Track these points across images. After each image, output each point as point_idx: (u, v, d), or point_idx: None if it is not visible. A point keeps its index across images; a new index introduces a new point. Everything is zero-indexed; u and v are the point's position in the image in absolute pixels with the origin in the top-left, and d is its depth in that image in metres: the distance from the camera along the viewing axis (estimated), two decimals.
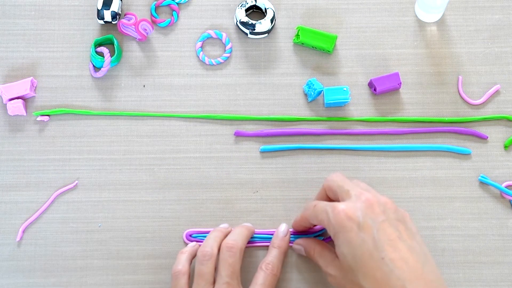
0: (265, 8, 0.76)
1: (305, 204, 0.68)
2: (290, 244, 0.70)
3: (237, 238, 0.67)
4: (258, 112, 0.75)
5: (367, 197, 0.62)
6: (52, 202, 0.72)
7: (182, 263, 0.67)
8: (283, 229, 0.70)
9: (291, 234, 0.71)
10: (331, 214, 0.62)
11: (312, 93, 0.73)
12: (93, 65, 0.75)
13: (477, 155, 0.73)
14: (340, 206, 0.62)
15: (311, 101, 0.75)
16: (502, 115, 0.74)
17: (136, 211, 0.72)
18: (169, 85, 0.75)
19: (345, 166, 0.73)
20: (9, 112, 0.73)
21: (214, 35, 0.76)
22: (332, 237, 0.62)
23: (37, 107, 0.74)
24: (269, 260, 0.67)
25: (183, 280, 0.66)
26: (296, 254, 0.71)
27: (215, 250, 0.66)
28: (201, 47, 0.76)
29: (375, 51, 0.76)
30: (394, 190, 0.72)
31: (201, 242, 0.69)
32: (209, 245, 0.66)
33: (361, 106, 0.75)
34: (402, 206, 0.72)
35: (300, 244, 0.69)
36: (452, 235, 0.71)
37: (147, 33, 0.75)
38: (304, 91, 0.75)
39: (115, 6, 0.74)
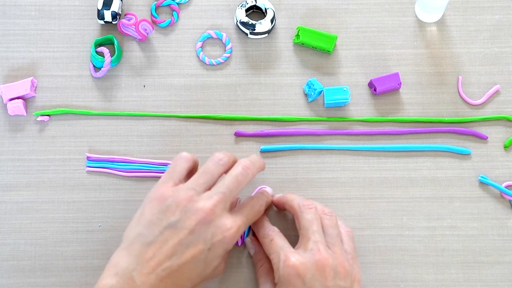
0: (265, 8, 0.76)
1: (263, 233, 0.67)
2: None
3: (256, 164, 0.65)
4: (258, 112, 0.75)
5: (323, 256, 0.62)
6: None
7: (189, 154, 0.65)
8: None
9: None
10: (281, 264, 0.62)
11: (312, 93, 0.73)
12: (93, 65, 0.75)
13: (477, 155, 0.73)
14: (292, 258, 0.62)
15: (311, 101, 0.75)
16: (502, 115, 0.74)
17: (136, 211, 0.72)
18: (169, 85, 0.75)
19: (345, 166, 0.73)
20: (9, 112, 0.73)
21: (214, 35, 0.76)
22: (276, 281, 0.63)
23: (37, 107, 0.74)
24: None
25: (185, 165, 0.64)
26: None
27: (232, 163, 0.65)
28: (201, 47, 0.76)
29: (375, 51, 0.76)
30: (394, 190, 0.73)
31: None
32: (228, 155, 0.65)
33: (361, 106, 0.75)
34: (402, 205, 0.72)
35: (254, 246, 0.69)
36: (452, 235, 0.71)
37: (147, 33, 0.75)
38: (304, 91, 0.75)
39: (115, 6, 0.74)
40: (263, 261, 0.67)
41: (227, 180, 0.63)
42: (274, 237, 0.65)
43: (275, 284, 0.64)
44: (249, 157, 0.66)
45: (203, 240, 0.60)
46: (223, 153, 0.65)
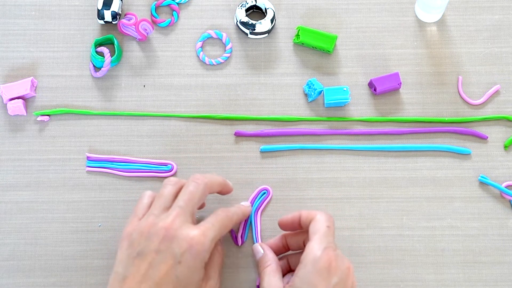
0: (265, 8, 0.76)
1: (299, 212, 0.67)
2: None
3: (208, 176, 0.66)
4: (258, 112, 0.75)
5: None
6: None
7: (151, 192, 0.66)
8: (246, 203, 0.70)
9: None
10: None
11: (312, 93, 0.73)
12: (93, 65, 0.75)
13: (477, 155, 0.73)
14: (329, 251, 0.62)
15: (311, 101, 0.75)
16: (502, 115, 0.74)
17: None
18: (169, 85, 0.75)
19: (345, 166, 0.73)
20: (9, 112, 0.73)
21: (214, 35, 0.76)
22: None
23: (37, 107, 0.74)
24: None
25: (147, 200, 0.65)
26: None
27: (182, 182, 0.65)
28: (201, 47, 0.76)
29: (375, 51, 0.76)
30: (394, 190, 0.73)
31: None
32: (176, 178, 0.66)
33: (361, 106, 0.75)
34: (402, 205, 0.72)
35: (262, 249, 0.68)
36: (452, 235, 0.71)
37: (147, 33, 0.75)
38: (304, 91, 0.75)
39: (115, 6, 0.74)
40: (270, 261, 0.66)
41: (181, 195, 0.64)
42: (262, 271, 0.65)
43: (282, 281, 0.64)
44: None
45: (170, 255, 0.60)
46: (171, 177, 0.66)
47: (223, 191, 0.68)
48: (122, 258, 0.62)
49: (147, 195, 0.66)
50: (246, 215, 0.69)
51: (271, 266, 0.66)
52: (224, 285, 0.70)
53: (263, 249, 0.68)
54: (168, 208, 0.63)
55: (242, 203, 0.70)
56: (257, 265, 0.67)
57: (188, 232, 0.61)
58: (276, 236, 0.69)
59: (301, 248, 0.68)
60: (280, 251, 0.69)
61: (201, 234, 0.61)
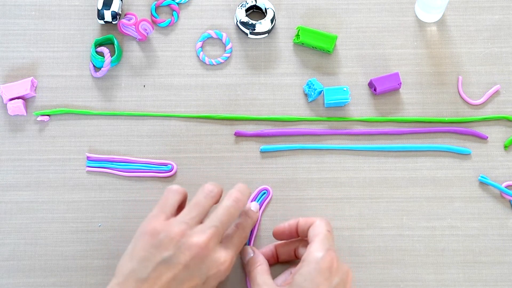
0: (265, 8, 0.76)
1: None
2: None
3: (244, 193, 0.64)
4: (258, 112, 0.75)
5: None
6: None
7: (180, 187, 0.64)
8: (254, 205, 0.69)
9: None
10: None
11: (312, 93, 0.73)
12: (93, 65, 0.75)
13: (477, 155, 0.73)
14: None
15: (311, 101, 0.75)
16: (502, 115, 0.74)
17: (136, 211, 0.72)
18: (169, 85, 0.75)
19: (345, 166, 0.73)
20: (9, 112, 0.73)
21: (214, 35, 0.76)
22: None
23: (37, 107, 0.74)
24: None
25: (176, 197, 0.63)
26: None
27: (221, 193, 0.64)
28: (201, 47, 0.76)
29: (375, 51, 0.76)
30: (394, 190, 0.73)
31: None
32: (217, 186, 0.64)
33: (361, 106, 0.75)
34: (402, 205, 0.72)
35: (252, 251, 0.67)
36: (452, 235, 0.71)
37: (147, 33, 0.75)
38: (304, 91, 0.75)
39: (115, 6, 0.74)
40: (261, 262, 0.66)
41: (219, 214, 0.62)
42: (253, 270, 0.65)
43: (272, 280, 0.64)
44: (236, 187, 0.65)
45: (198, 275, 0.60)
46: (213, 185, 0.64)
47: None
48: (144, 256, 0.60)
49: (175, 191, 0.64)
50: (255, 222, 0.68)
51: (262, 266, 0.66)
52: (226, 285, 0.70)
53: (254, 251, 0.67)
54: (202, 219, 0.62)
55: (252, 207, 0.68)
56: (246, 266, 0.67)
57: (220, 257, 0.61)
58: (266, 245, 0.69)
59: (292, 258, 0.68)
60: (269, 261, 0.68)
61: (229, 261, 0.61)
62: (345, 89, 0.73)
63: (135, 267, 0.59)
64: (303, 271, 0.61)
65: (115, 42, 0.75)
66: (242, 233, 0.65)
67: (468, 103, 0.75)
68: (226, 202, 0.63)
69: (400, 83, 0.74)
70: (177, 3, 0.77)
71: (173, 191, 0.64)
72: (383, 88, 0.74)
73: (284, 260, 0.69)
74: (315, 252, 0.61)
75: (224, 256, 0.61)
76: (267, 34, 0.76)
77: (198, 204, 0.63)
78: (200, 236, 0.60)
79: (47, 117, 0.74)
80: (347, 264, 0.65)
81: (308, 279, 0.60)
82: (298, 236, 0.67)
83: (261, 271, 0.65)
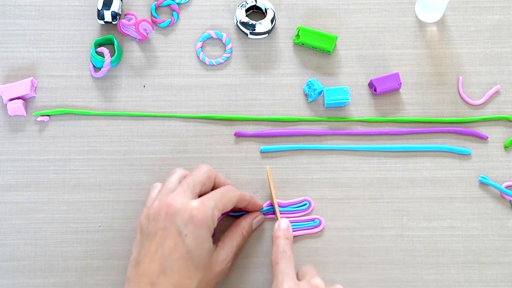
0: (265, 9, 0.76)
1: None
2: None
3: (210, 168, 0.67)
4: (258, 112, 0.75)
5: None
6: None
7: (157, 183, 0.67)
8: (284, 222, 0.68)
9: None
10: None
11: (312, 93, 0.73)
12: (93, 65, 0.75)
13: (477, 156, 0.73)
14: (286, 285, 0.61)
15: (311, 102, 0.75)
16: (502, 115, 0.74)
17: (136, 211, 0.72)
18: (169, 85, 0.75)
19: (345, 166, 0.73)
20: (9, 112, 0.73)
21: (214, 35, 0.76)
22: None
23: (37, 107, 0.74)
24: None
25: (155, 190, 0.66)
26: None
27: (187, 172, 0.67)
28: (201, 47, 0.76)
29: (375, 51, 0.76)
30: (394, 190, 0.72)
31: None
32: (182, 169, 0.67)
33: (361, 106, 0.75)
34: (402, 206, 0.72)
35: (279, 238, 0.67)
36: (452, 235, 0.71)
37: (147, 33, 0.75)
38: (304, 92, 0.75)
39: (115, 6, 0.74)
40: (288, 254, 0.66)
41: (188, 176, 0.65)
42: (280, 260, 0.64)
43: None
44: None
45: (175, 229, 0.61)
46: (177, 168, 0.67)
47: (249, 206, 0.69)
48: (136, 245, 0.63)
49: (155, 186, 0.67)
50: (256, 204, 0.70)
51: (290, 257, 0.65)
52: (227, 285, 0.70)
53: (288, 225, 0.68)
54: (173, 192, 0.64)
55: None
56: (277, 234, 0.66)
57: (188, 205, 0.62)
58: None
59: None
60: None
61: (200, 204, 0.62)
62: (345, 89, 0.73)
63: (132, 257, 0.63)
64: None
65: (115, 42, 0.75)
66: (220, 190, 0.65)
67: (468, 103, 0.75)
68: (197, 168, 0.66)
69: (400, 83, 0.74)
70: (177, 3, 0.77)
71: (154, 187, 0.67)
72: (383, 88, 0.74)
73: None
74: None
75: (192, 203, 0.62)
76: (267, 34, 0.76)
77: (166, 182, 0.65)
78: (169, 197, 0.63)
79: (47, 117, 0.74)
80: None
81: None
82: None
83: (288, 261, 0.65)
